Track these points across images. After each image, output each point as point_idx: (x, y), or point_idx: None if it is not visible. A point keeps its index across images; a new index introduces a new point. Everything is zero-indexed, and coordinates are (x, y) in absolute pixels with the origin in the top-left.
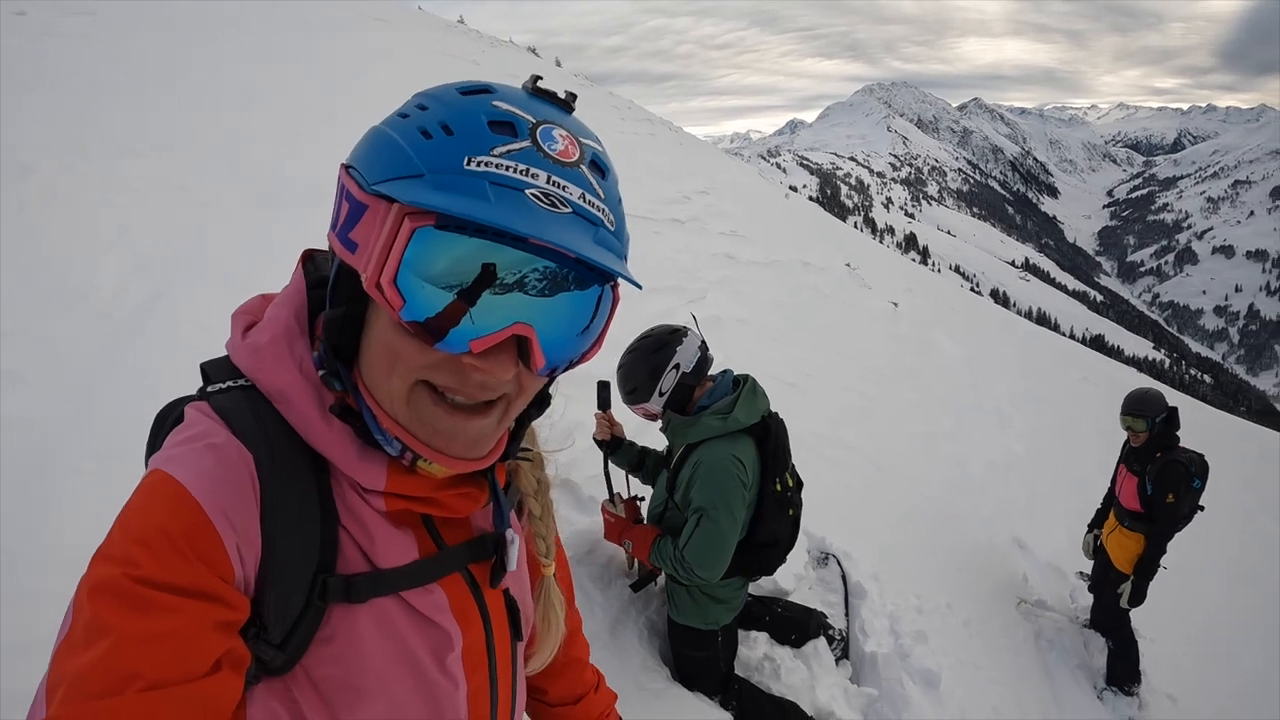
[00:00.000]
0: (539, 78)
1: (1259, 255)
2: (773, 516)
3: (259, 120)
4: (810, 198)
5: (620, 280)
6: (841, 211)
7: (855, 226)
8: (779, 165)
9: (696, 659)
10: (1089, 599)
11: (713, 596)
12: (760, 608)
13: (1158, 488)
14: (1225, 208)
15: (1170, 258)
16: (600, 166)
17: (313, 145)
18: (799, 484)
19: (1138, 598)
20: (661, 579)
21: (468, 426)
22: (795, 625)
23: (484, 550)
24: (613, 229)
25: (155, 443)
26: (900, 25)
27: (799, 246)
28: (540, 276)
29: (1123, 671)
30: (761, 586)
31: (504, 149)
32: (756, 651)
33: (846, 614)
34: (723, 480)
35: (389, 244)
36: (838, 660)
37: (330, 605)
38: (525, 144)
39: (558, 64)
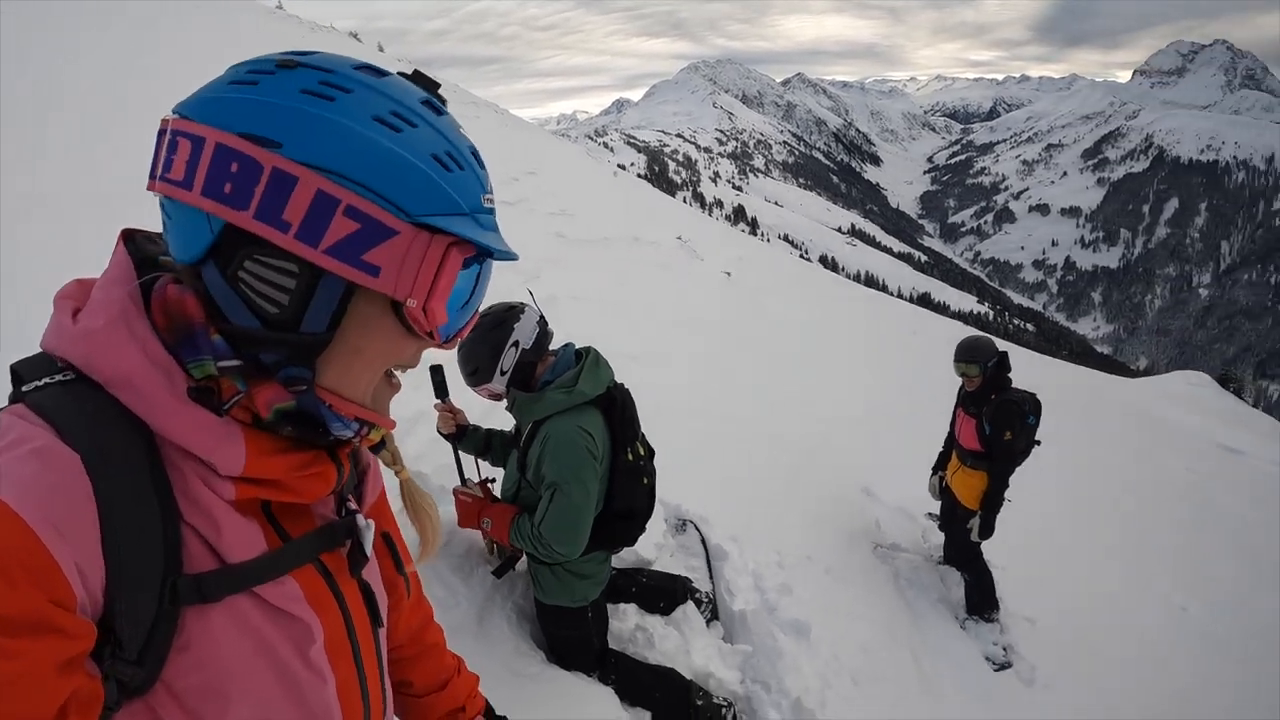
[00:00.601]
0: (437, 85)
1: (1073, 211)
2: (627, 487)
3: (75, 118)
4: (639, 175)
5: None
6: (670, 187)
7: (684, 201)
8: (606, 145)
9: (569, 638)
10: (940, 537)
11: (577, 573)
12: (625, 580)
13: (995, 427)
14: (1040, 169)
15: (989, 218)
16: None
17: (126, 141)
18: (650, 453)
19: (986, 530)
20: (524, 562)
21: (394, 393)
22: (662, 593)
23: (334, 539)
24: None
25: None
26: (724, 3)
27: (629, 222)
28: None
29: (980, 601)
30: (624, 559)
31: (487, 182)
32: (628, 623)
33: (710, 576)
34: (572, 454)
35: (434, 272)
36: (708, 622)
37: (183, 609)
38: (484, 172)
39: (380, 49)
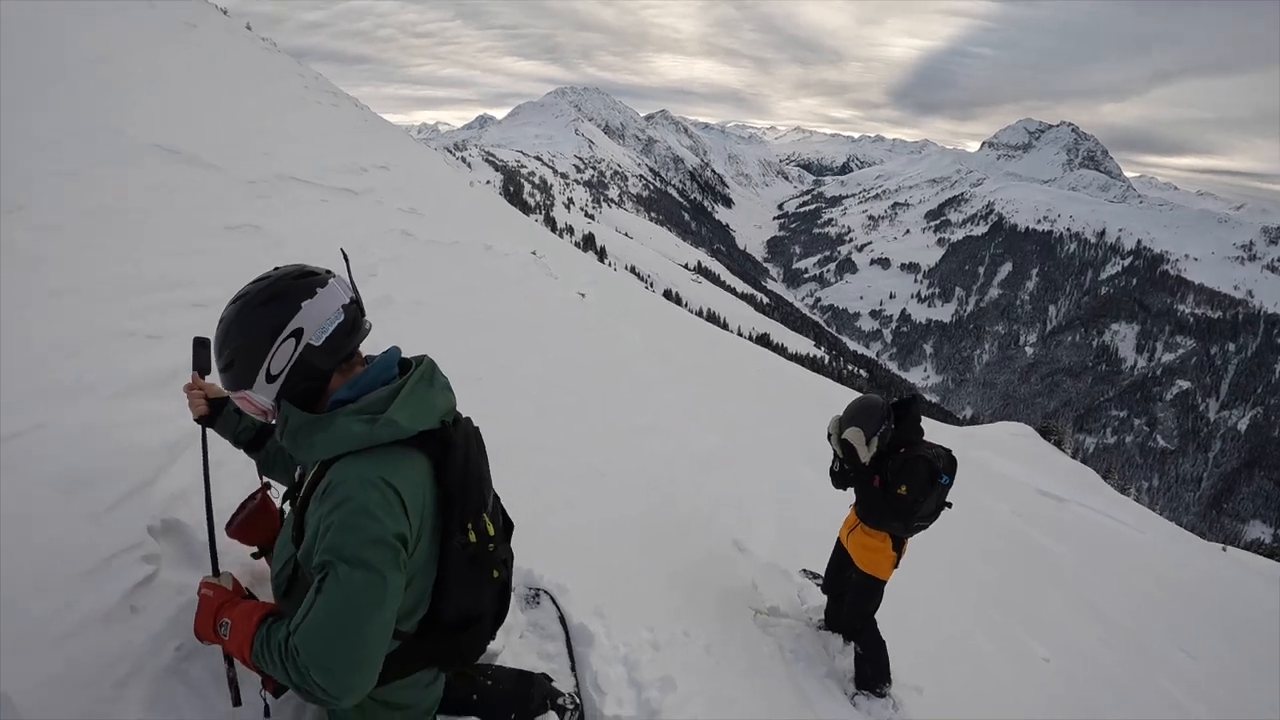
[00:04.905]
0: None
1: (912, 268)
2: (465, 582)
3: None
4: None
5: None
6: (524, 209)
7: (536, 223)
8: (465, 160)
9: None
10: (819, 598)
11: (390, 703)
12: (463, 685)
13: (894, 478)
14: (884, 225)
15: (832, 266)
16: None
17: None
18: (507, 528)
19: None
20: None
21: None
22: (514, 701)
23: None
24: None
25: None
26: (599, 34)
27: (482, 231)
28: None
29: (874, 674)
30: None
31: None
32: None
33: (573, 668)
34: (361, 520)
35: None
36: None
37: None
38: None
39: (248, 28)
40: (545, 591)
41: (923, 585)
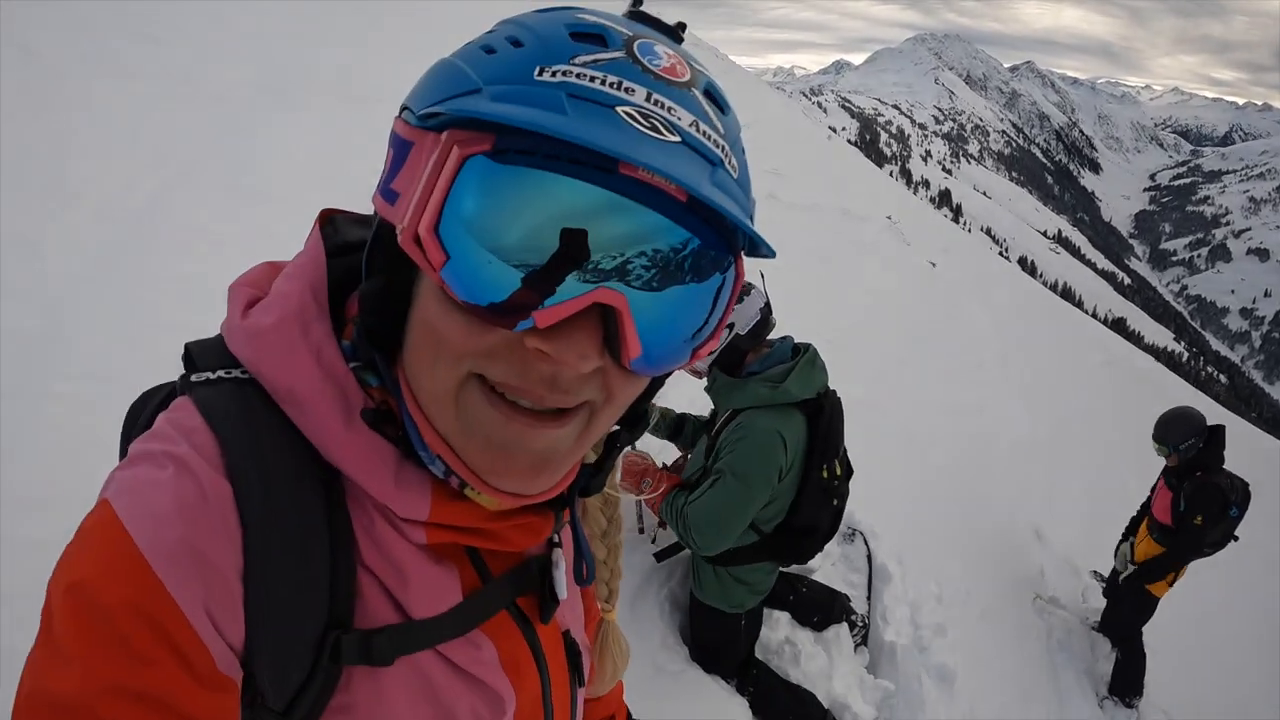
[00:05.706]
0: (639, 1)
1: None
2: (814, 504)
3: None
4: (849, 141)
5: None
6: (879, 159)
7: (891, 176)
8: (820, 105)
9: (717, 641)
10: (1100, 601)
11: (739, 579)
12: (784, 586)
13: (1189, 507)
14: (1267, 210)
15: (1204, 251)
16: (717, 100)
17: (333, 34)
18: (848, 472)
19: (1138, 601)
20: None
21: (534, 438)
22: (819, 607)
23: (529, 578)
24: (735, 174)
25: (126, 445)
26: None
27: (840, 192)
28: (647, 259)
29: (1127, 683)
30: None
31: (588, 58)
32: (778, 633)
33: (869, 597)
34: (755, 453)
35: (433, 182)
36: (856, 647)
37: (346, 669)
38: (618, 54)
39: None
40: (860, 532)
41: (1219, 622)
